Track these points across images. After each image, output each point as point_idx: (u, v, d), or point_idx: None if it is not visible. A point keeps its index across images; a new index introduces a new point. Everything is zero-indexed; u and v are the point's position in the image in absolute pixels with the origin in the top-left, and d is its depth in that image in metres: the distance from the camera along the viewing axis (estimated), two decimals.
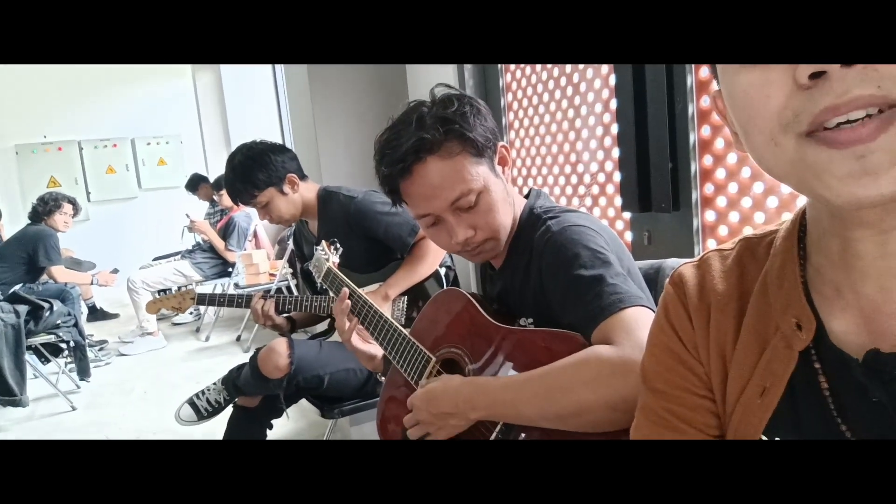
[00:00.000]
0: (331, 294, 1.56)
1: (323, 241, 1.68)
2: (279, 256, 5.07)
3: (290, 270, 4.73)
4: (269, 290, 4.61)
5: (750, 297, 0.60)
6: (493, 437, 1.01)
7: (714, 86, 0.55)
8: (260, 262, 4.59)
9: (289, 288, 4.63)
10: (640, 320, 0.91)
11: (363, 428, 2.65)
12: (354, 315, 1.41)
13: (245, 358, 4.35)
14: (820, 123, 0.44)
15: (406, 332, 1.26)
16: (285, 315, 2.08)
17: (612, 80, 1.71)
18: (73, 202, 4.68)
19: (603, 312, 0.94)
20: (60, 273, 4.49)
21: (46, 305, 3.63)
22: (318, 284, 1.64)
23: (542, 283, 1.07)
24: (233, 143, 6.64)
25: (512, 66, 2.26)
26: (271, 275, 4.66)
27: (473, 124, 1.07)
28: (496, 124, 1.14)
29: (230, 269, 5.06)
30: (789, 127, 0.45)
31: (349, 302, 1.42)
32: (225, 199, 5.08)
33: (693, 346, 0.64)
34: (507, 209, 1.13)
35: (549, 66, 2.05)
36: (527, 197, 1.22)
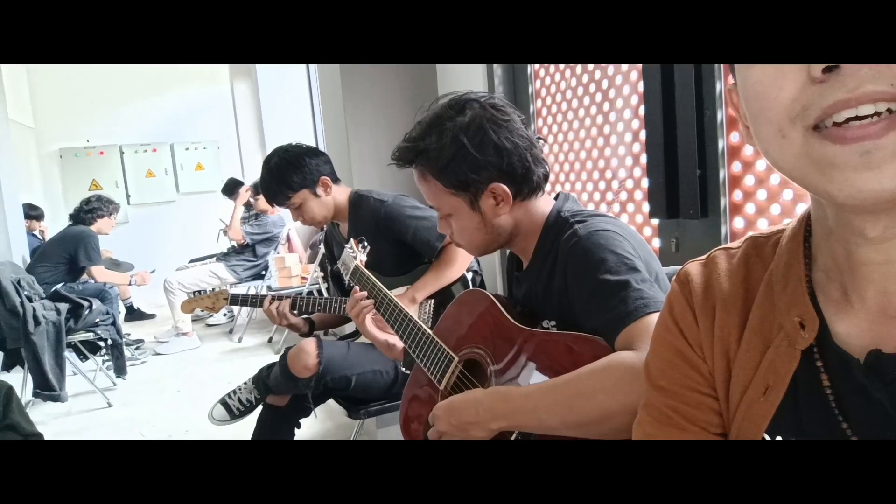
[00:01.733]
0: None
1: (351, 240, 1.71)
2: (311, 260, 5.14)
3: (321, 274, 4.79)
4: (300, 293, 4.67)
5: (755, 297, 0.60)
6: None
7: (730, 79, 0.56)
8: (292, 266, 4.66)
9: (319, 291, 4.69)
10: None
11: (389, 430, 2.68)
12: (380, 312, 1.44)
13: (276, 360, 4.43)
14: (828, 116, 0.44)
15: (430, 331, 1.28)
16: (305, 316, 2.11)
17: (641, 86, 1.71)
18: (117, 209, 4.92)
19: (628, 317, 0.94)
20: (100, 273, 4.61)
21: (86, 304, 3.74)
22: (346, 282, 1.67)
23: (566, 286, 1.08)
24: (268, 148, 6.73)
25: (542, 73, 2.27)
26: (303, 278, 4.73)
27: (449, 169, 1.12)
28: (516, 154, 1.13)
29: (263, 273, 5.15)
30: (797, 119, 0.46)
31: (364, 294, 1.47)
32: (261, 203, 5.17)
33: (698, 345, 0.64)
34: (479, 236, 1.19)
35: (578, 72, 2.06)
36: (555, 199, 1.23)
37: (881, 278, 0.51)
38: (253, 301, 2.24)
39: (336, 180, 2.16)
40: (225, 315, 5.69)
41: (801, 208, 1.34)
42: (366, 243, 1.69)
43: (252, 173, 7.03)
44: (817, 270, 0.57)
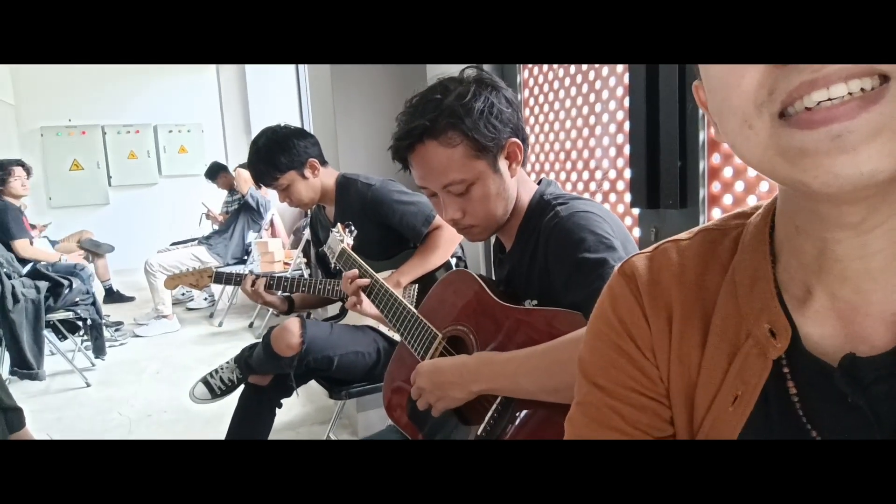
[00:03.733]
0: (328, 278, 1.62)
1: (338, 224, 1.73)
2: (294, 246, 5.14)
3: (305, 260, 4.79)
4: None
5: (716, 298, 0.56)
6: (492, 409, 1.05)
7: (697, 73, 0.52)
8: (275, 251, 4.66)
9: (302, 276, 4.70)
10: None
11: (369, 414, 2.71)
12: (365, 293, 1.46)
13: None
14: (796, 100, 0.40)
15: (415, 310, 1.31)
16: (285, 294, 2.13)
17: (627, 78, 1.75)
18: (21, 164, 4.42)
19: None
20: (24, 248, 4.27)
21: (66, 283, 3.72)
22: (333, 265, 1.69)
23: (547, 265, 1.12)
24: (253, 132, 6.69)
25: (529, 64, 2.30)
26: (286, 263, 4.73)
27: (480, 122, 1.10)
28: (519, 117, 1.17)
29: (246, 257, 5.14)
30: (764, 106, 0.42)
31: (365, 280, 1.49)
32: (242, 186, 5.14)
33: (648, 348, 0.59)
34: (499, 203, 1.16)
35: (566, 78, 2.09)
36: (538, 184, 1.26)
37: (856, 276, 0.48)
38: (237, 279, 2.25)
39: (324, 163, 2.17)
40: (206, 299, 5.68)
41: None
42: (352, 227, 1.71)
43: (236, 157, 7.01)
44: (781, 269, 0.54)
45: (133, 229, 7.40)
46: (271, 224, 5.35)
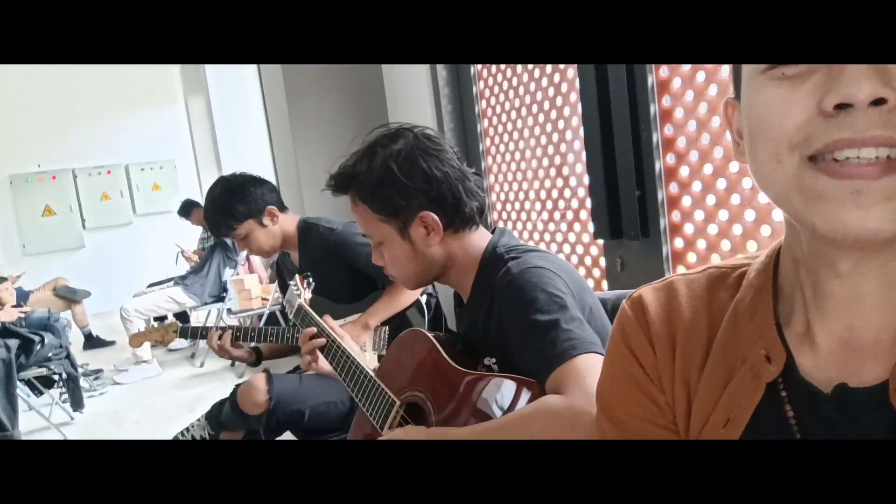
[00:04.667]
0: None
1: (297, 276, 1.68)
2: (272, 280, 5.07)
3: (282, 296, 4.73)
4: (261, 315, 4.61)
5: (718, 328, 0.59)
6: None
7: (730, 91, 0.57)
8: (252, 287, 4.59)
9: (283, 311, 4.63)
10: (591, 367, 0.90)
11: None
12: (322, 353, 1.42)
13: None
14: (829, 151, 0.44)
15: (372, 373, 1.26)
16: (253, 345, 2.07)
17: (579, 107, 1.71)
18: None
19: (555, 360, 0.94)
20: None
21: (37, 339, 3.64)
22: (291, 322, 1.64)
23: (502, 324, 1.08)
24: (224, 165, 6.67)
25: (485, 74, 2.28)
26: (264, 299, 4.65)
27: (378, 193, 1.13)
28: (451, 184, 1.13)
29: (223, 294, 5.07)
30: (797, 148, 0.46)
31: (321, 340, 1.43)
32: None
33: (655, 375, 0.62)
34: (411, 266, 1.18)
35: (518, 71, 2.06)
36: (493, 232, 1.22)
37: (846, 313, 0.51)
38: (203, 333, 2.19)
39: (283, 209, 2.12)
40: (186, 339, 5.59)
41: (738, 229, 1.36)
42: (311, 280, 1.66)
43: None
44: (784, 303, 0.57)
45: (110, 271, 7.29)
46: (247, 259, 5.28)
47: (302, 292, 1.62)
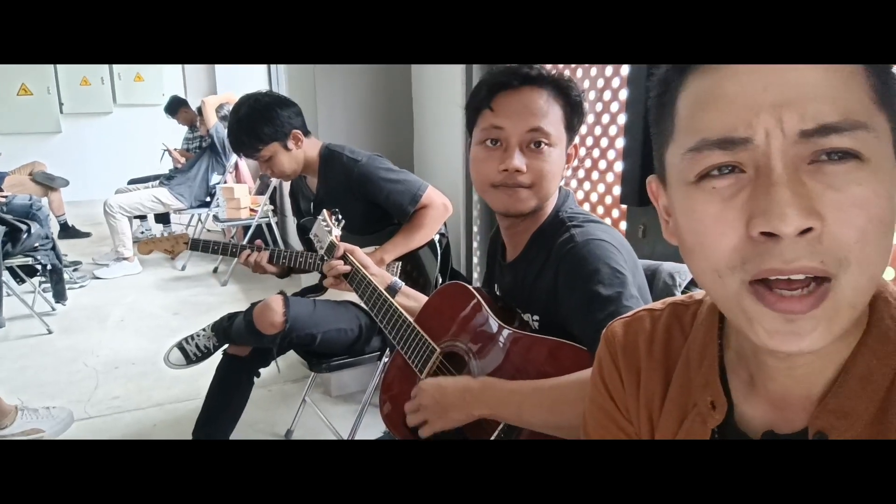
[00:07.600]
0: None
1: (325, 212, 1.69)
2: (260, 192, 5.03)
3: (272, 207, 4.71)
4: (248, 227, 4.59)
5: (675, 367, 0.65)
6: (494, 436, 1.08)
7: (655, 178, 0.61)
8: (241, 197, 4.54)
9: (269, 225, 4.62)
10: None
11: (342, 375, 2.74)
12: (359, 294, 1.46)
13: (222, 290, 4.36)
14: (764, 276, 0.48)
15: (412, 320, 1.30)
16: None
17: (624, 69, 1.73)
18: None
19: None
20: None
21: (24, 227, 3.58)
22: (321, 256, 1.66)
23: (556, 287, 1.12)
24: (215, 66, 6.44)
25: None
26: (252, 210, 4.63)
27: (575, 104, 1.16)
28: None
29: (209, 200, 5.01)
30: (735, 271, 0.49)
31: (340, 262, 1.50)
32: (210, 118, 4.92)
33: (624, 406, 0.68)
34: (555, 182, 1.16)
35: None
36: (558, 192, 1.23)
37: (781, 377, 0.56)
38: (216, 248, 2.19)
39: (307, 133, 2.11)
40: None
41: None
42: (339, 216, 1.68)
43: (195, 88, 6.73)
44: (730, 351, 0.62)
45: (86, 160, 7.11)
46: (236, 167, 5.20)
47: (332, 228, 1.64)
